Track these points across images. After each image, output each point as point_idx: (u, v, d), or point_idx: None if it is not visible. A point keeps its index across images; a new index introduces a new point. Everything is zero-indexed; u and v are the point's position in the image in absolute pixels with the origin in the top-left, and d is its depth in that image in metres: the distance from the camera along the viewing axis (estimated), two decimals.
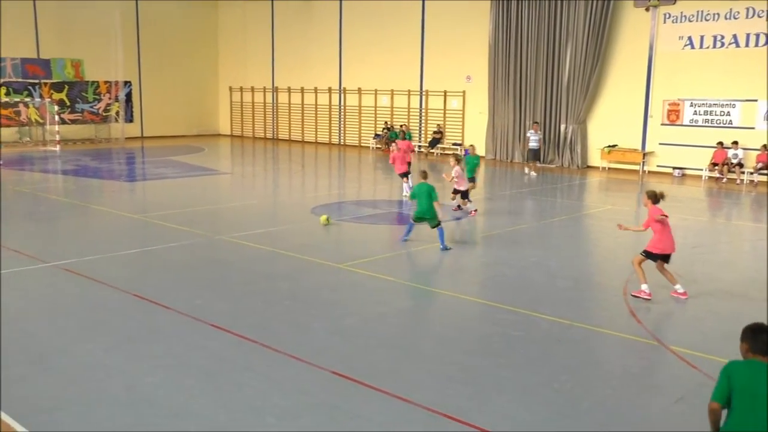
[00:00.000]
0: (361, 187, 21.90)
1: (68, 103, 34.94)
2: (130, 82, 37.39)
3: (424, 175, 13.26)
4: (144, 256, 12.21)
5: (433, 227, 12.74)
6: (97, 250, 12.33)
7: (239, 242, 13.08)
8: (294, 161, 29.67)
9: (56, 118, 32.93)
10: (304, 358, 7.46)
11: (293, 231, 14.50)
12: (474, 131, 29.88)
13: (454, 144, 30.50)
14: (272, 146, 35.62)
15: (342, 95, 35.34)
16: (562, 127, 26.51)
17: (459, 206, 16.35)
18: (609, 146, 25.32)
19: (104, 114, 36.43)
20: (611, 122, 25.54)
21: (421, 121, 32.19)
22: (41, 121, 34.04)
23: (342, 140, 35.56)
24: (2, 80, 32.45)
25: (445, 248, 12.53)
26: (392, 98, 33.04)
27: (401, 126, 30.62)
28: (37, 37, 33.99)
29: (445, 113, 31.07)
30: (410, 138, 30.32)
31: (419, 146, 31.88)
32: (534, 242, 13.60)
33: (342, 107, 35.47)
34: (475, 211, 16.22)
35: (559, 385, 6.92)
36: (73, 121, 35.22)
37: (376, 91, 33.58)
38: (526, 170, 24.79)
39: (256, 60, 39.31)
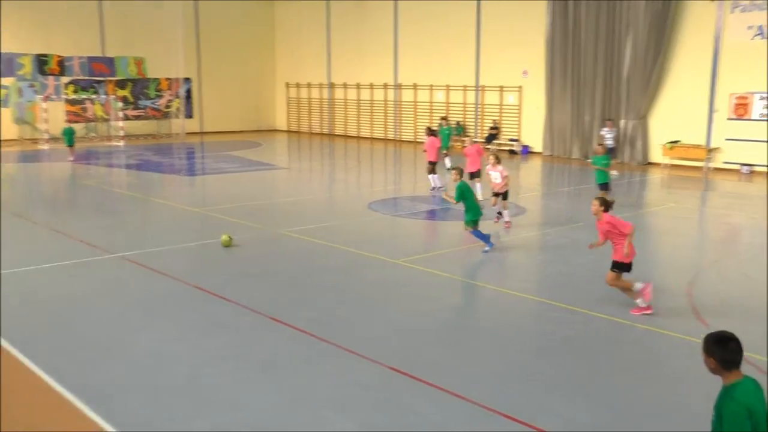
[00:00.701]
0: (416, 183, 21.85)
1: (131, 100, 35.92)
2: (190, 79, 38.18)
3: (462, 173, 12.35)
4: (204, 248, 12.49)
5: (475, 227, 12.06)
6: (160, 242, 12.67)
7: (296, 236, 13.25)
8: (350, 157, 29.86)
9: (120, 114, 33.92)
10: (360, 352, 7.52)
11: (349, 226, 14.60)
12: (531, 127, 29.53)
13: (511, 140, 30.19)
14: (328, 142, 35.91)
15: (397, 91, 35.37)
16: (622, 122, 25.93)
17: (500, 213, 14.37)
18: (671, 142, 24.65)
19: (165, 110, 37.32)
20: (674, 117, 24.85)
21: (477, 116, 31.97)
22: (106, 117, 35.09)
23: (397, 136, 35.60)
24: (70, 78, 33.56)
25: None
26: (448, 94, 32.90)
27: (441, 120, 29.56)
28: (102, 36, 35.05)
29: (501, 109, 30.78)
30: (459, 132, 30.18)
31: (474, 142, 31.57)
32: (592, 240, 13.33)
33: (397, 103, 35.50)
34: (509, 223, 14.28)
35: (619, 386, 6.80)
36: (136, 117, 36.19)
37: (431, 86, 33.48)
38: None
39: (312, 56, 39.66)
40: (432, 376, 6.90)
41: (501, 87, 30.43)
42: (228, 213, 15.47)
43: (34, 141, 31.89)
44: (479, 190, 16.23)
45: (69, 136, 25.58)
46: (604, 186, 15.43)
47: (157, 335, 8.04)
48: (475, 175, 16.88)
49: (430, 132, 19.38)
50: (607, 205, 9.04)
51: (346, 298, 9.62)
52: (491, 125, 30.98)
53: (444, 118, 26.74)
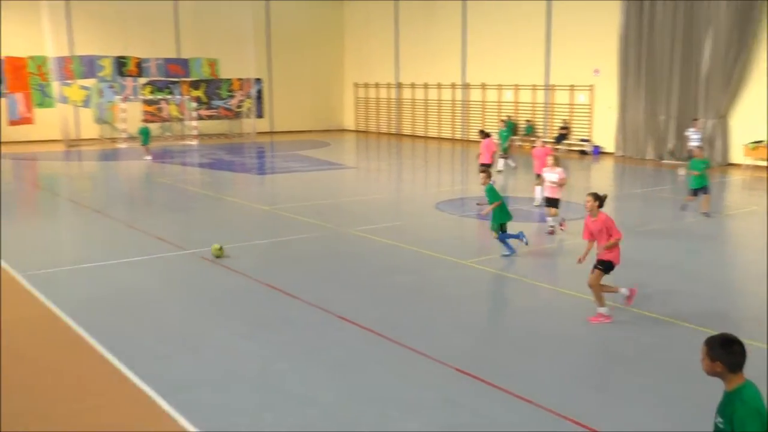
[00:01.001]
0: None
1: (205, 100, 36.84)
2: (260, 79, 38.89)
3: (490, 175, 11.90)
4: (274, 246, 12.69)
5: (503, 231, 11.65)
6: (231, 239, 12.93)
7: (364, 236, 13.31)
8: (417, 156, 29.84)
9: (194, 114, 34.84)
10: (427, 352, 7.49)
11: (417, 226, 14.58)
12: (602, 126, 28.84)
13: (581, 140, 29.57)
14: (395, 141, 35.98)
15: (465, 90, 35.14)
16: (700, 121, 25.03)
17: (552, 226, 13.53)
18: (754, 142, 23.63)
19: (237, 110, 38.11)
20: (757, 116, 23.79)
21: (546, 116, 31.46)
22: (180, 116, 36.08)
23: (465, 136, 35.38)
24: (147, 79, 34.68)
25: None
26: (516, 93, 32.49)
27: (500, 122, 28.84)
28: (177, 38, 36.10)
29: (571, 108, 30.19)
30: (529, 132, 29.74)
31: (544, 142, 31.09)
32: (669, 244, 12.94)
33: (465, 102, 35.28)
34: (552, 228, 13.54)
35: (698, 397, 6.56)
36: (209, 117, 37.10)
37: (500, 86, 33.13)
38: (681, 172, 21.61)
39: (380, 56, 39.83)
40: (499, 379, 6.80)
41: (571, 86, 29.84)
42: (296, 212, 15.67)
43: (113, 140, 33.09)
44: (539, 194, 15.91)
45: (145, 135, 26.36)
46: (702, 190, 14.87)
47: (229, 330, 8.20)
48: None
49: (484, 135, 18.98)
50: (601, 201, 8.74)
51: (414, 298, 9.59)
52: (561, 125, 30.43)
53: (503, 120, 26.34)
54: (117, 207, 16.99)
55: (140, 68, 34.20)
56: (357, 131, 41.82)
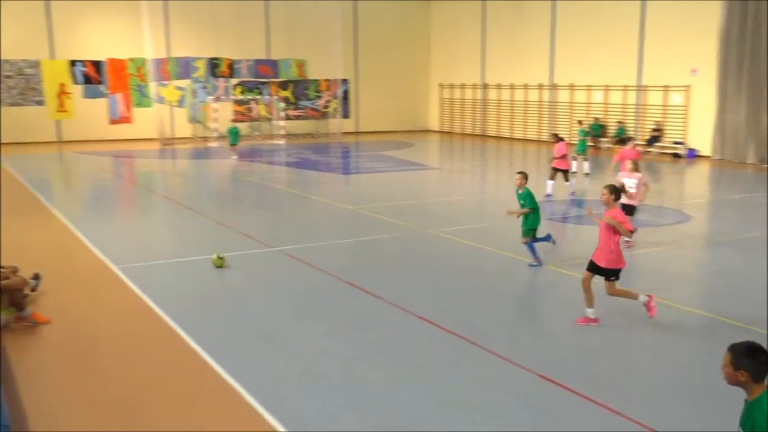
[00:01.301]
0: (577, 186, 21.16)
1: (292, 101, 37.60)
2: (347, 80, 39.36)
3: (527, 177, 11.21)
4: (357, 246, 12.79)
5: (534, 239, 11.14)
6: (316, 238, 13.12)
7: (447, 237, 13.23)
8: (501, 158, 29.46)
9: (282, 114, 35.60)
10: (510, 357, 7.36)
11: (501, 228, 14.36)
12: (698, 128, 27.65)
13: (675, 143, 28.44)
14: (480, 142, 35.65)
15: (553, 91, 34.45)
16: None
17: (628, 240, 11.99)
18: None
19: (323, 110, 38.72)
20: None
21: (637, 118, 30.43)
22: (269, 116, 36.96)
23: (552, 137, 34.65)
24: (238, 80, 35.70)
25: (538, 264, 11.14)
26: (606, 94, 31.57)
27: (578, 123, 27.74)
28: (267, 39, 36.97)
29: (665, 109, 29.08)
30: (620, 134, 28.83)
31: (635, 145, 30.09)
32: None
33: (553, 103, 34.58)
34: (629, 242, 12.07)
35: None
36: (296, 117, 37.84)
37: (589, 86, 32.29)
38: None
39: (466, 57, 39.56)
40: (586, 388, 6.60)
41: (665, 86, 28.75)
42: (380, 212, 15.74)
43: (205, 139, 34.23)
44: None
45: (233, 135, 27.01)
46: None
47: (311, 328, 8.31)
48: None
49: (558, 138, 18.33)
50: (617, 194, 8.36)
51: (497, 301, 9.45)
52: (653, 127, 29.37)
53: (579, 122, 25.60)
54: (207, 204, 17.54)
55: (232, 69, 35.24)
56: (441, 132, 41.69)
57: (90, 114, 32.52)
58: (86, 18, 32.21)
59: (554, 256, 11.75)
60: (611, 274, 8.34)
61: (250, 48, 36.19)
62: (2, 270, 8.55)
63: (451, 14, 40.36)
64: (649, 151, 29.20)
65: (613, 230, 8.18)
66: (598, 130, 30.66)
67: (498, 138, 37.38)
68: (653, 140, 29.04)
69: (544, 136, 35.05)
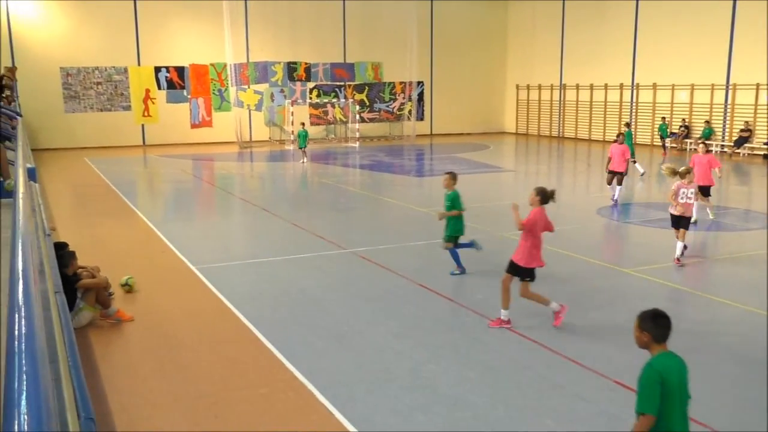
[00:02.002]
0: (651, 188, 20.53)
1: (367, 103, 37.93)
2: (422, 82, 39.40)
3: (455, 178, 10.83)
4: (430, 248, 12.75)
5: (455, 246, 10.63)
6: (388, 239, 13.17)
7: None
8: (579, 160, 28.83)
9: (357, 117, 35.96)
10: (584, 363, 7.19)
11: (577, 231, 14.07)
12: None
13: (766, 143, 27.16)
14: (557, 144, 35.01)
15: (634, 91, 33.49)
16: None
17: (685, 246, 11.28)
18: None
19: (398, 113, 38.89)
20: None
21: (725, 118, 29.22)
22: (344, 119, 37.42)
23: (633, 139, 33.69)
24: (315, 83, 36.29)
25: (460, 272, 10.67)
26: (692, 93, 30.45)
27: (625, 126, 26.23)
28: (344, 43, 37.41)
29: (756, 109, 27.81)
30: (707, 135, 27.74)
31: (722, 146, 29.00)
32: None
33: (634, 104, 33.62)
34: (679, 259, 11.22)
35: None
36: (371, 120, 38.15)
37: (673, 86, 31.22)
38: None
39: (544, 58, 38.93)
40: None
41: (757, 84, 27.49)
42: None
43: (281, 142, 34.93)
44: (696, 210, 13.51)
45: (303, 138, 27.05)
46: None
47: (383, 329, 8.34)
48: (704, 191, 14.24)
49: (621, 141, 17.60)
50: (545, 197, 8.09)
51: (573, 306, 9.24)
52: (742, 127, 28.14)
53: (627, 124, 24.76)
54: (282, 206, 17.87)
55: (308, 73, 35.87)
56: (517, 134, 41.17)
57: (172, 118, 33.73)
58: (170, 25, 33.41)
59: (631, 259, 11.41)
60: (526, 275, 8.21)
61: (327, 52, 36.71)
62: (87, 269, 8.95)
63: (528, 14, 39.81)
64: (737, 153, 28.01)
65: (530, 230, 8.10)
66: (664, 130, 29.54)
67: (576, 140, 36.62)
68: (742, 141, 27.84)
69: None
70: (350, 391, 6.65)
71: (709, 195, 14.70)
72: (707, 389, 6.69)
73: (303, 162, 26.58)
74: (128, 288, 9.85)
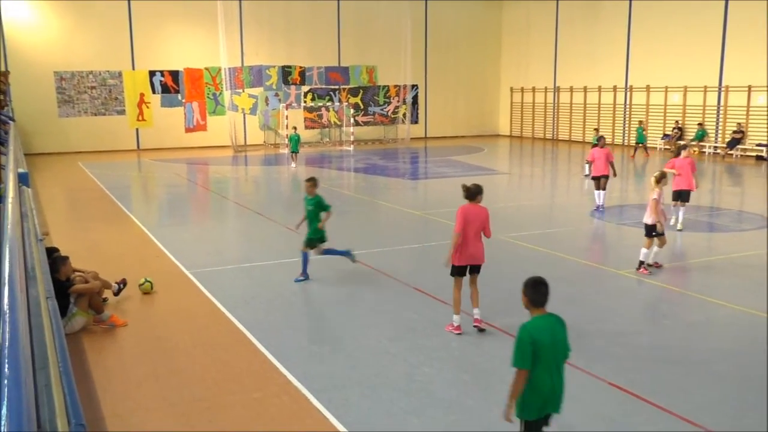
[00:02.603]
0: (644, 190, 20.55)
1: (362, 107, 37.93)
2: (416, 85, 39.41)
3: (316, 183, 10.47)
4: (425, 251, 12.75)
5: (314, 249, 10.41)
6: (383, 243, 13.16)
7: (516, 242, 13.04)
8: (573, 162, 28.87)
9: (352, 120, 35.95)
10: (579, 365, 7.17)
11: (571, 234, 14.09)
12: None
13: (758, 145, 27.25)
14: (551, 147, 35.06)
15: (628, 93, 33.57)
16: None
17: (648, 264, 10.85)
18: None
19: (392, 116, 38.89)
20: None
21: (718, 119, 29.31)
22: (339, 123, 37.40)
23: (626, 140, 33.79)
24: (309, 87, 36.26)
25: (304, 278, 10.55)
26: (685, 95, 30.53)
27: (594, 131, 26.17)
28: (339, 46, 37.40)
29: (748, 111, 27.90)
30: (700, 137, 27.80)
31: (715, 147, 29.08)
32: None
33: (627, 106, 33.70)
34: (659, 264, 11.08)
35: None
36: (365, 123, 38.14)
37: (666, 88, 31.32)
38: None
39: (538, 60, 39.02)
40: (660, 397, 6.38)
41: (749, 86, 27.60)
42: (448, 217, 15.64)
43: (276, 146, 34.88)
44: (681, 216, 13.64)
45: (295, 143, 26.81)
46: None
47: (377, 332, 8.32)
48: (682, 196, 13.77)
49: (603, 143, 16.71)
50: (467, 193, 8.54)
51: (567, 308, 9.23)
52: (735, 129, 28.23)
53: (596, 129, 24.79)
54: (276, 209, 17.84)
55: (303, 76, 35.85)
56: (512, 136, 41.23)
57: (167, 122, 33.67)
58: (165, 29, 33.36)
59: (626, 261, 11.42)
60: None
61: (322, 55, 36.71)
62: (82, 274, 8.90)
63: (522, 16, 39.90)
64: (730, 154, 28.09)
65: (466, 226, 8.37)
66: (641, 134, 28.85)
67: (570, 142, 36.68)
68: (734, 143, 27.93)
69: (618, 140, 34.21)
70: (345, 395, 6.63)
71: (688, 201, 13.93)
72: (703, 390, 6.69)
73: (293, 166, 26.49)
74: (146, 289, 9.90)
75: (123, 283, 9.86)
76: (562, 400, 4.86)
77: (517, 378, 4.58)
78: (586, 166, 19.96)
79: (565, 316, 8.78)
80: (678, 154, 14.28)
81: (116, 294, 9.67)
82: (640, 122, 30.28)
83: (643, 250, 10.73)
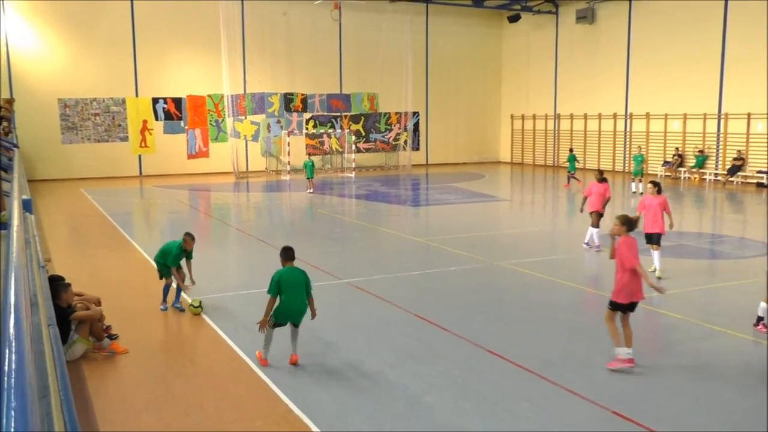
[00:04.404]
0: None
1: (363, 134, 38.14)
2: (417, 112, 39.68)
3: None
4: (426, 278, 12.74)
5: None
6: (384, 270, 13.15)
7: (517, 269, 13.04)
8: (574, 189, 28.93)
9: (353, 147, 36.13)
10: (582, 393, 7.14)
11: (572, 260, 14.08)
12: None
13: (759, 172, 27.34)
14: (552, 173, 35.17)
15: (628, 121, 33.76)
16: None
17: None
18: None
19: (394, 143, 39.09)
20: None
21: (718, 146, 29.44)
22: (340, 149, 37.58)
23: (626, 167, 33.90)
24: (311, 114, 36.50)
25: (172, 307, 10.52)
26: (685, 123, 30.71)
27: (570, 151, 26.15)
28: (340, 74, 37.71)
29: (747, 138, 28.04)
30: (700, 163, 27.91)
31: (716, 174, 29.17)
32: None
33: (628, 133, 33.87)
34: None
35: None
36: (367, 150, 38.32)
37: (666, 115, 31.50)
38: None
39: (538, 87, 39.32)
40: (665, 426, 6.34)
41: (748, 114, 27.76)
42: (449, 243, 15.67)
43: (278, 172, 35.02)
44: (657, 260, 12.32)
45: (310, 169, 27.11)
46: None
47: (378, 360, 8.29)
48: (653, 239, 12.21)
49: (602, 178, 15.12)
50: (630, 225, 8.08)
51: (569, 336, 9.22)
52: (735, 156, 28.35)
53: (570, 149, 24.84)
54: (278, 236, 17.86)
55: (305, 104, 36.13)
56: (512, 163, 41.38)
57: (169, 149, 33.85)
58: (168, 56, 33.67)
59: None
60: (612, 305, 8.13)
61: (324, 83, 37.00)
62: (83, 299, 8.89)
63: (523, 44, 40.28)
64: (731, 181, 28.17)
65: (626, 261, 8.04)
66: (572, 161, 28.40)
67: None
68: (734, 170, 28.02)
69: (619, 166, 34.32)
70: (346, 423, 6.59)
71: (659, 244, 12.29)
72: (711, 416, 6.65)
73: (310, 192, 26.48)
74: (196, 310, 10.04)
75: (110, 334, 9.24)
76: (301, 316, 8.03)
77: (268, 302, 7.93)
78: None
79: (566, 343, 8.80)
80: (658, 190, 12.34)
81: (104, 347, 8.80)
82: (571, 150, 30.18)
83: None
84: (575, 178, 28.47)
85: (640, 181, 25.46)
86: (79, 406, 4.82)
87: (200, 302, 10.30)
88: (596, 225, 14.76)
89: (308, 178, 27.13)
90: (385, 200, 25.02)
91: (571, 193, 27.04)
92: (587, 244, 14.96)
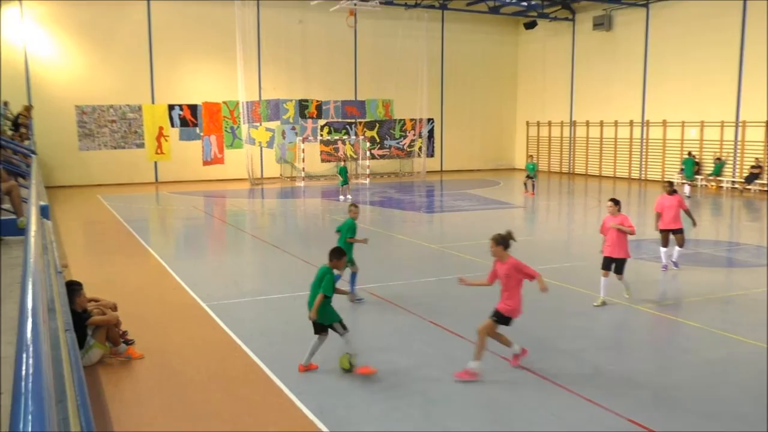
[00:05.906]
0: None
1: (378, 140, 38.19)
2: (432, 119, 39.68)
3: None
4: (440, 284, 12.71)
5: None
6: (399, 276, 13.14)
7: None
8: (590, 196, 28.80)
9: (368, 153, 36.18)
10: (599, 402, 7.08)
11: (588, 268, 13.98)
12: None
13: None
14: (568, 180, 35.02)
15: (644, 128, 33.58)
16: None
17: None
18: None
19: (408, 149, 39.11)
20: None
21: (735, 154, 29.19)
22: (355, 156, 37.64)
23: (643, 175, 33.70)
24: (326, 121, 36.61)
25: None
26: (702, 130, 30.49)
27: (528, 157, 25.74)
28: (355, 81, 37.80)
29: (766, 145, 27.78)
30: (717, 171, 27.64)
31: (733, 182, 28.93)
32: None
33: (644, 140, 33.68)
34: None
35: None
36: (381, 156, 38.36)
37: (683, 123, 31.30)
38: None
39: (554, 94, 39.21)
40: None
41: (767, 122, 27.52)
42: (463, 250, 15.63)
43: (292, 179, 35.13)
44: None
45: (345, 174, 26.38)
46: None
47: (393, 366, 8.26)
48: (616, 265, 11.10)
49: (672, 190, 13.51)
50: (506, 244, 7.86)
51: (586, 343, 9.15)
52: (753, 164, 28.09)
53: (531, 156, 24.44)
54: (293, 242, 17.90)
55: (320, 110, 36.24)
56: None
57: (185, 155, 34.06)
58: (184, 64, 33.91)
59: (642, 295, 11.31)
60: (498, 317, 7.97)
61: (338, 89, 37.11)
62: (99, 304, 8.94)
63: (539, 51, 40.21)
64: (748, 189, 27.92)
65: (519, 278, 8.11)
66: (531, 168, 27.70)
67: (586, 176, 36.63)
68: (752, 177, 27.77)
69: (635, 174, 34.12)
70: (360, 429, 6.57)
71: (621, 273, 11.19)
72: (724, 425, 6.58)
73: (347, 198, 25.80)
74: (349, 367, 8.11)
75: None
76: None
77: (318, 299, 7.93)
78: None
79: (583, 350, 8.74)
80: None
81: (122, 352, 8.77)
82: (531, 156, 29.96)
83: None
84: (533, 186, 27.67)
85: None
86: (95, 410, 4.84)
87: (348, 360, 8.16)
88: (665, 245, 13.45)
89: (343, 185, 26.41)
90: (400, 207, 25.01)
91: (585, 200, 26.89)
92: (665, 267, 13.59)
